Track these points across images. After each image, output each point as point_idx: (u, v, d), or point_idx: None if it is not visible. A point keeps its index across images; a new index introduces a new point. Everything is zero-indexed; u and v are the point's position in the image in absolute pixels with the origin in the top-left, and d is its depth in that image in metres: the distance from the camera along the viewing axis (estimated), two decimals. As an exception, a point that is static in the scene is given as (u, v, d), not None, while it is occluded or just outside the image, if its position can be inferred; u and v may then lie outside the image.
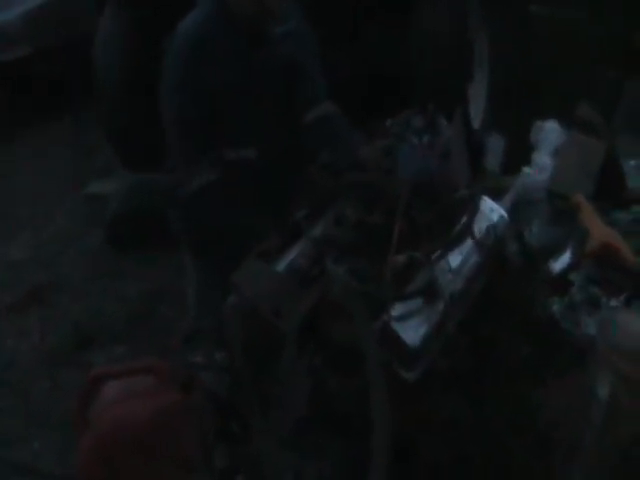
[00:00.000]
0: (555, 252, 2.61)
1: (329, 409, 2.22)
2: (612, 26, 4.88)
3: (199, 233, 3.09)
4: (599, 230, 2.65)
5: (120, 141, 4.98)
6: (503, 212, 2.47)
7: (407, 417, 2.16)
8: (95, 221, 5.24)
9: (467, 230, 2.33)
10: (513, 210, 2.61)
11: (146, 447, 2.37)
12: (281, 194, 2.92)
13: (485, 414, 2.27)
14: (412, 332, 2.14)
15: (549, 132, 3.13)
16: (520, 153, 3.10)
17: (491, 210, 2.43)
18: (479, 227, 2.36)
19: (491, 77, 4.81)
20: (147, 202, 4.55)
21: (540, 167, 3.00)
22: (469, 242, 2.32)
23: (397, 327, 2.13)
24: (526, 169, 2.98)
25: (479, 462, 2.24)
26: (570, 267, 2.56)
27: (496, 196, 2.58)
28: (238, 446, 2.31)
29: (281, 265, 2.32)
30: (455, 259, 2.28)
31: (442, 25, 4.40)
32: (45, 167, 6.27)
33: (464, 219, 2.34)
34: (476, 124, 4.52)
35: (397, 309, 2.16)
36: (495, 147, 3.39)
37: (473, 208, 2.38)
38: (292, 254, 2.34)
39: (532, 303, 2.44)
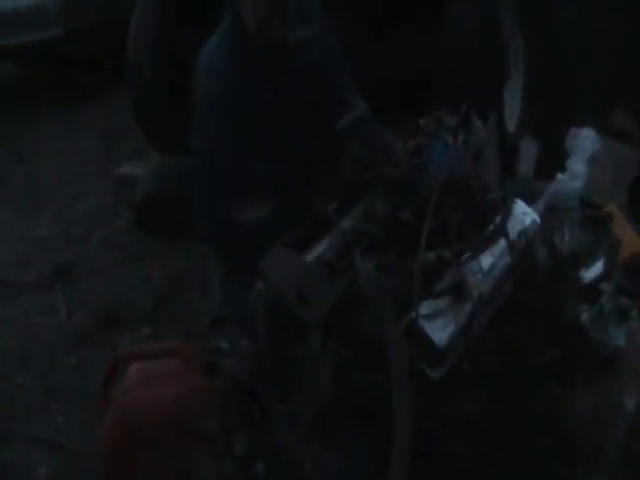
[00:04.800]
0: (585, 260, 2.61)
1: (352, 401, 2.22)
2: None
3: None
4: (631, 240, 2.64)
5: (150, 123, 5.00)
6: (535, 216, 2.46)
7: (430, 415, 2.16)
8: (123, 203, 5.25)
9: (499, 231, 2.33)
10: (545, 216, 2.61)
11: (167, 429, 2.40)
12: (308, 194, 2.93)
13: (508, 415, 2.27)
14: (439, 331, 2.15)
15: (584, 139, 3.12)
16: (553, 159, 3.09)
17: (524, 213, 2.43)
18: (511, 230, 2.36)
19: (526, 80, 4.80)
20: (175, 186, 4.57)
21: (573, 174, 2.99)
22: (501, 244, 2.32)
23: (425, 325, 2.14)
24: (559, 175, 2.97)
25: (500, 462, 2.24)
26: (601, 277, 2.56)
27: (528, 201, 2.58)
28: (258, 433, 2.32)
29: (309, 256, 2.33)
30: (486, 260, 2.28)
31: (474, 27, 4.38)
32: (75, 148, 6.28)
33: (497, 220, 2.34)
34: (510, 127, 4.52)
35: (425, 307, 2.16)
36: (528, 151, 3.39)
37: (506, 210, 2.38)
38: (321, 246, 2.35)
39: (560, 309, 2.43)
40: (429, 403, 2.16)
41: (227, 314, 3.19)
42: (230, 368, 2.39)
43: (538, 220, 2.46)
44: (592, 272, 2.57)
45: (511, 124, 4.53)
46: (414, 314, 2.13)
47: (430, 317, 2.15)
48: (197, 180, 3.17)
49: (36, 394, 3.89)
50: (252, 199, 2.91)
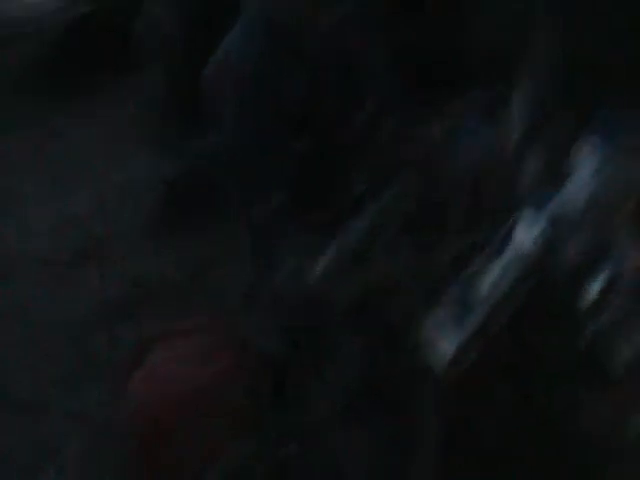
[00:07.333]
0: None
1: (380, 387, 2.23)
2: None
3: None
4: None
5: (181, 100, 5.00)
6: (548, 218, 2.41)
7: (457, 402, 2.16)
8: (157, 178, 5.28)
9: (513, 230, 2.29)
10: (555, 222, 2.55)
11: (198, 406, 2.42)
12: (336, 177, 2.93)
13: (527, 420, 2.25)
14: (447, 341, 2.10)
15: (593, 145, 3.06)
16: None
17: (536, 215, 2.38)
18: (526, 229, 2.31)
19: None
20: (206, 162, 4.60)
21: (581, 182, 2.93)
22: (517, 241, 2.29)
23: (433, 335, 2.10)
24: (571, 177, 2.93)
25: (525, 455, 2.24)
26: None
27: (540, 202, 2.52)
28: (291, 411, 2.33)
29: (338, 239, 2.33)
30: (500, 260, 2.24)
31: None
32: (107, 125, 6.29)
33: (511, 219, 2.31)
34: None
35: (433, 316, 2.12)
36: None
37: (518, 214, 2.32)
38: (349, 229, 2.35)
39: (580, 314, 2.38)
40: (456, 392, 2.14)
41: (260, 291, 3.21)
42: (263, 345, 2.40)
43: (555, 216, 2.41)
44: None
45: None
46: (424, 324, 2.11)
47: (439, 325, 2.12)
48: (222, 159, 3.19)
49: (68, 368, 3.94)
50: (263, 190, 2.89)
